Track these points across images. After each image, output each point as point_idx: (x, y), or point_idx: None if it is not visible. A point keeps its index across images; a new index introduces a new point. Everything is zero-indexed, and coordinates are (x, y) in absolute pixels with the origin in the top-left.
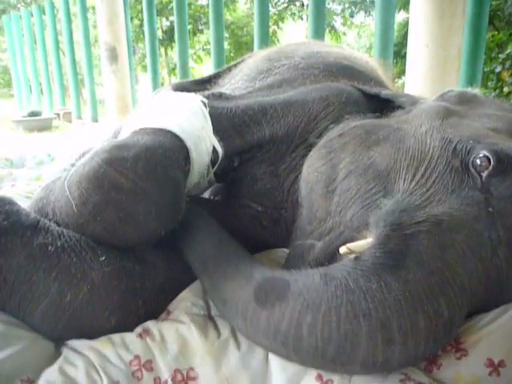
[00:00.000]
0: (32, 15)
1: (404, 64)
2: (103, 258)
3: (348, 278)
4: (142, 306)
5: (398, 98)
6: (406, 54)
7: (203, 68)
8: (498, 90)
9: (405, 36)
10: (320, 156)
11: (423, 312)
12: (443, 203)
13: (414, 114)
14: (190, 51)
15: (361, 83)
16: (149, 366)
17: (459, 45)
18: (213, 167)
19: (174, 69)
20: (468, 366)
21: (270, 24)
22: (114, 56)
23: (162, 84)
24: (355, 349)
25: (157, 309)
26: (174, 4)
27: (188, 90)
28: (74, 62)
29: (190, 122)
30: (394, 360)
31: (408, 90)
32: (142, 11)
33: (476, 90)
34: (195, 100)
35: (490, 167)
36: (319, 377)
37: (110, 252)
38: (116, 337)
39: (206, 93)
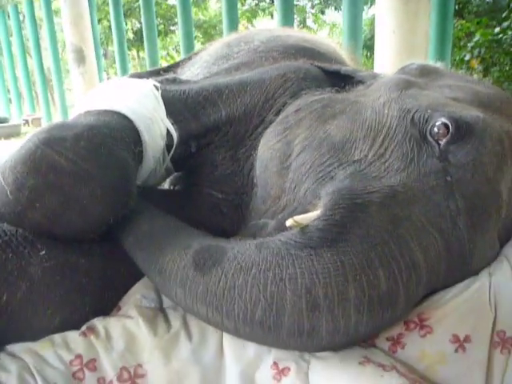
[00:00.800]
0: None
1: None
2: (43, 252)
3: (281, 246)
4: (88, 303)
5: (357, 73)
6: None
7: None
8: None
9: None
10: (275, 133)
11: (354, 282)
12: (400, 173)
13: (373, 88)
14: (163, 52)
15: (322, 63)
16: (92, 365)
17: (426, 30)
18: (169, 153)
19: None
20: (433, 343)
21: (243, 21)
22: (81, 58)
23: None
24: (280, 312)
25: (106, 305)
26: (140, 3)
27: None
28: (41, 67)
29: (141, 103)
30: (321, 328)
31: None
32: (108, 13)
33: (438, 64)
34: (146, 83)
35: (449, 134)
36: (275, 365)
37: (52, 245)
38: (57, 337)
39: (160, 78)
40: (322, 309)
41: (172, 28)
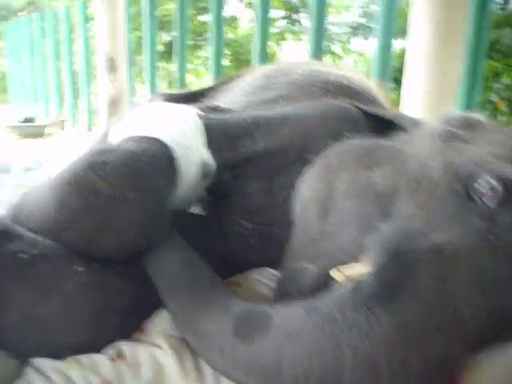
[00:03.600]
0: (32, 22)
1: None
2: (80, 269)
3: (334, 308)
4: (115, 323)
5: (398, 119)
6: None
7: (202, 83)
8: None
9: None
10: (317, 174)
11: (414, 346)
12: (445, 230)
13: (417, 136)
14: (190, 66)
15: (360, 103)
16: None
17: (457, 71)
18: (203, 180)
19: (174, 82)
20: None
21: (271, 43)
22: (112, 67)
23: None
24: (338, 383)
25: (130, 325)
26: (175, 18)
27: (180, 102)
28: (71, 70)
29: (181, 131)
30: None
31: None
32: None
33: (480, 116)
34: (189, 111)
35: (494, 194)
36: None
37: (88, 262)
38: (84, 358)
39: (201, 105)
40: (383, 377)
41: (199, 43)
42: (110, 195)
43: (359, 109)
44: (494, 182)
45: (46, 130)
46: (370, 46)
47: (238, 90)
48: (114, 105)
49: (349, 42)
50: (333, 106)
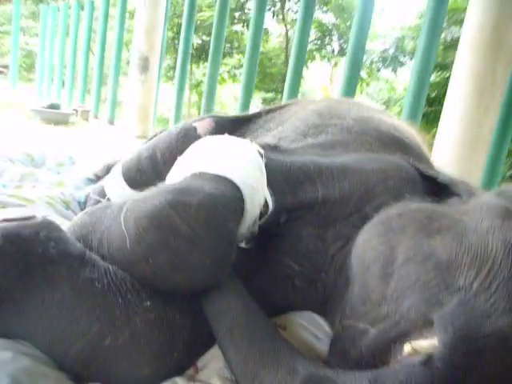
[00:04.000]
0: (70, 8)
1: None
2: (148, 304)
3: (402, 381)
4: (175, 359)
5: (454, 185)
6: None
7: (224, 89)
8: None
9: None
10: (377, 233)
11: None
12: (508, 314)
13: (474, 207)
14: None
15: (413, 160)
16: None
17: (492, 124)
18: (259, 220)
19: (196, 86)
20: None
21: None
22: (145, 66)
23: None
24: None
25: (186, 362)
26: (213, 24)
27: (229, 127)
28: (102, 61)
29: (248, 172)
30: None
31: (435, 161)
32: (175, 25)
33: None
34: (252, 149)
35: None
36: None
37: (154, 297)
38: None
39: (261, 142)
40: None
41: (227, 51)
42: (188, 236)
43: (416, 168)
44: None
45: (71, 119)
46: (396, 77)
47: (290, 125)
48: (142, 104)
49: (378, 70)
50: (394, 164)
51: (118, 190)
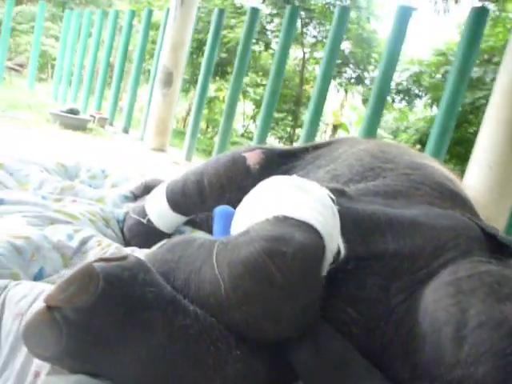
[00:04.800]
0: (93, 14)
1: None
2: (238, 352)
3: None
4: None
5: None
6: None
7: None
8: None
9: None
10: (447, 293)
11: None
12: None
13: None
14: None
15: (470, 215)
16: None
17: None
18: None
19: (209, 102)
20: None
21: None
22: (169, 81)
23: None
24: None
25: None
26: (239, 47)
27: (277, 161)
28: (122, 71)
29: (326, 218)
30: None
31: None
32: (194, 39)
33: None
34: (324, 194)
35: None
36: None
37: (240, 345)
38: None
39: (329, 186)
40: None
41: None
42: (282, 286)
43: (478, 225)
44: None
45: (88, 125)
46: (409, 110)
47: (344, 163)
48: (161, 117)
49: (393, 101)
50: (461, 222)
51: (160, 212)
